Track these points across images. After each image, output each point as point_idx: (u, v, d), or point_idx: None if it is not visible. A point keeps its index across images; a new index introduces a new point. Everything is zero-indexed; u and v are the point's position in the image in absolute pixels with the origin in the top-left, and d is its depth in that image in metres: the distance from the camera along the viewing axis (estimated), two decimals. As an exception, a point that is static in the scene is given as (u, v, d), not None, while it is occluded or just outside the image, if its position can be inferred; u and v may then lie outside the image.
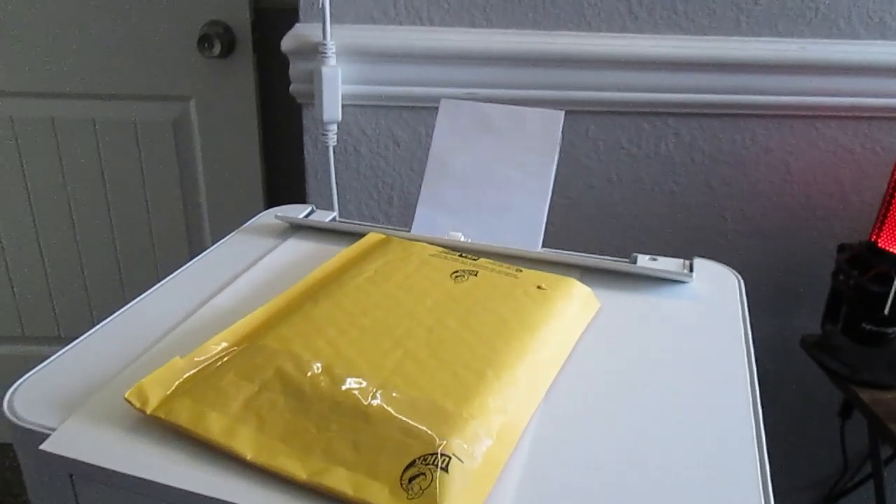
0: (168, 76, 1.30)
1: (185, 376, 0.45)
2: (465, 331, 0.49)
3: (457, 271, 0.57)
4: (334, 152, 0.99)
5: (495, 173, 0.74)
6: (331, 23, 0.92)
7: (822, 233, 1.11)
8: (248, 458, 0.40)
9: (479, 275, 0.57)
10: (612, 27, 0.96)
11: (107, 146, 1.38)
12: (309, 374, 0.44)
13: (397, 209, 1.06)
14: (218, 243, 0.67)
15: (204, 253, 0.66)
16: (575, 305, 0.55)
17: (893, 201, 0.93)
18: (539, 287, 0.56)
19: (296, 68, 0.97)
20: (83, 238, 1.45)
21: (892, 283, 0.85)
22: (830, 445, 1.27)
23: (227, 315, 0.55)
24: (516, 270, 0.58)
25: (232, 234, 0.70)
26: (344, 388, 0.42)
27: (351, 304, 0.52)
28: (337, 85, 0.93)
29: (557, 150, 0.74)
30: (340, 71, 0.93)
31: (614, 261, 0.64)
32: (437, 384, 0.43)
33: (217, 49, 1.23)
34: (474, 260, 0.59)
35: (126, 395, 0.43)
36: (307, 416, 0.41)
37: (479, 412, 0.42)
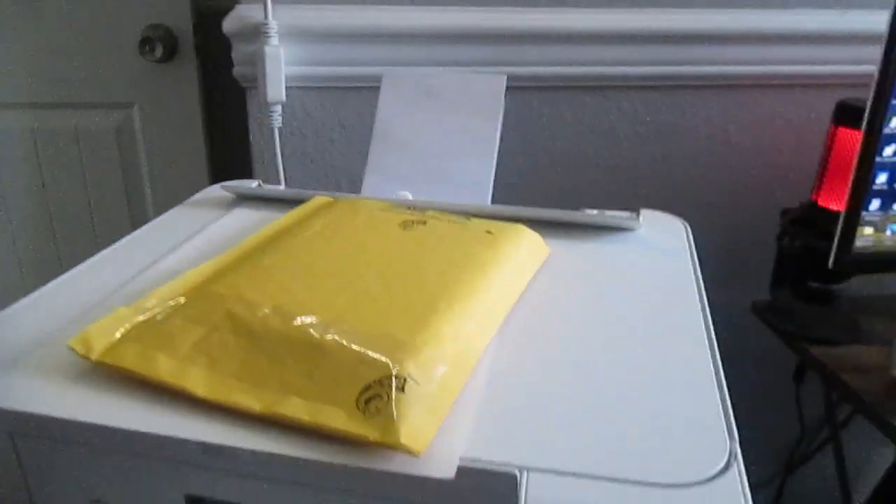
0: (109, 82, 1.27)
1: (131, 323, 0.44)
2: (416, 272, 0.49)
3: (405, 221, 0.57)
4: (280, 135, 0.98)
5: (441, 138, 0.75)
6: (272, 3, 0.92)
7: (765, 200, 1.14)
8: (200, 394, 0.39)
9: (427, 224, 0.56)
10: (550, 1, 0.97)
11: (47, 156, 1.34)
12: (260, 314, 0.43)
13: (346, 192, 1.05)
14: (159, 217, 0.66)
15: (145, 225, 0.64)
16: (524, 249, 0.56)
17: (830, 161, 0.96)
18: (488, 232, 0.56)
19: (238, 50, 0.96)
20: (24, 250, 1.41)
21: (835, 235, 0.87)
22: (788, 412, 1.30)
23: (173, 276, 0.54)
24: (465, 218, 0.58)
25: (174, 208, 0.68)
26: (296, 324, 0.42)
27: (301, 255, 0.51)
28: (280, 65, 0.92)
29: (501, 113, 0.75)
30: (283, 51, 0.93)
31: (563, 212, 0.65)
32: (389, 317, 0.43)
33: (159, 52, 1.21)
34: (423, 211, 0.59)
35: (69, 343, 0.42)
36: (260, 353, 0.41)
37: (432, 339, 0.41)
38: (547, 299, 0.51)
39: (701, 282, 0.56)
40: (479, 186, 0.72)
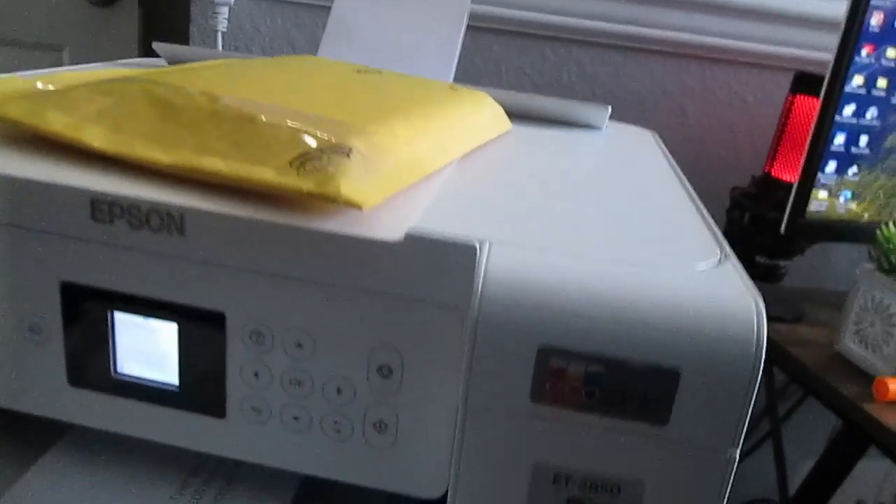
0: (38, 22, 1.18)
1: (29, 90, 0.36)
2: (372, 95, 0.43)
3: (360, 69, 0.51)
4: (223, 47, 0.91)
5: (401, 38, 0.70)
6: None
7: (716, 179, 1.12)
8: (97, 146, 0.32)
9: (383, 74, 0.51)
10: (520, -59, 0.95)
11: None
12: (183, 94, 0.36)
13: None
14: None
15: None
16: (487, 110, 0.51)
17: (787, 130, 0.95)
18: (451, 88, 0.50)
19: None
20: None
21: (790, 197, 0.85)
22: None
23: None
24: (425, 79, 0.53)
25: (96, 63, 0.61)
26: (225, 102, 0.35)
27: (243, 71, 0.44)
28: (230, -37, 0.86)
29: (466, 17, 0.71)
30: (234, -46, 0.87)
31: (529, 95, 0.59)
32: (339, 113, 0.37)
33: (95, -7, 1.13)
34: (380, 70, 0.54)
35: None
36: (177, 121, 0.34)
37: (385, 133, 0.35)
38: (514, 150, 0.46)
39: (677, 168, 0.52)
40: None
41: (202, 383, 0.32)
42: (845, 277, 1.15)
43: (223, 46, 0.90)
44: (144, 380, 0.33)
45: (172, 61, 0.62)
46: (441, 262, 0.29)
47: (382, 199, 0.31)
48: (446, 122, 0.42)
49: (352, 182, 0.29)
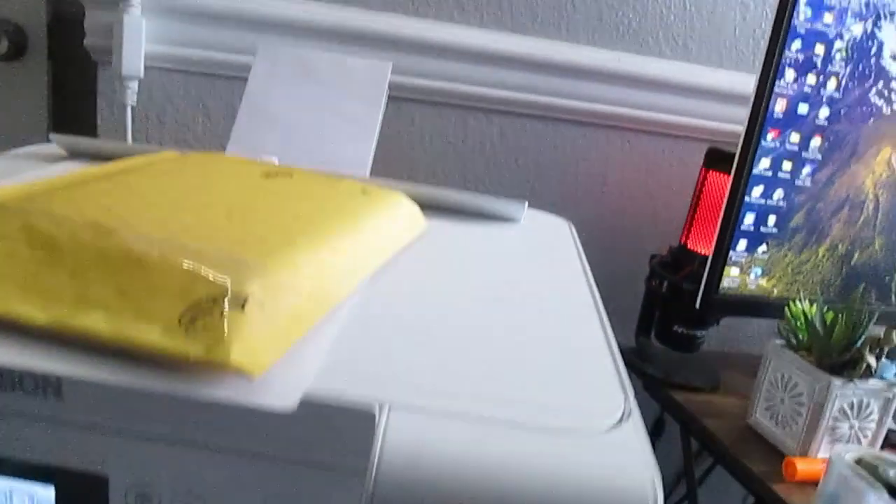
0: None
1: None
2: (276, 211, 0.42)
3: (269, 172, 0.49)
4: (133, 119, 0.88)
5: (317, 120, 0.69)
6: (138, -28, 0.83)
7: (635, 245, 1.15)
8: (-36, 300, 0.30)
9: (294, 176, 0.49)
10: (440, 16, 0.95)
11: None
12: (67, 227, 0.34)
13: (206, 194, 0.96)
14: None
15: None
16: (401, 214, 0.50)
17: (700, 204, 0.98)
18: (363, 192, 0.49)
19: (93, 18, 0.86)
20: None
21: (703, 278, 0.87)
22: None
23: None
24: (338, 179, 0.52)
25: (-8, 154, 0.57)
26: (112, 239, 0.33)
27: (137, 185, 0.42)
28: (140, 36, 0.83)
29: (384, 100, 0.70)
30: (145, 24, 0.84)
31: (446, 191, 0.59)
32: (236, 242, 0.35)
33: (3, 47, 1.08)
34: (290, 170, 0.52)
35: None
36: (58, 266, 0.32)
37: (286, 266, 0.34)
38: (424, 262, 0.46)
39: (588, 269, 0.52)
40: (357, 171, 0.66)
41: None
42: (764, 339, 1.18)
43: (133, 119, 0.87)
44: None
45: (72, 153, 0.59)
46: (338, 428, 0.28)
47: (276, 359, 0.29)
48: (356, 240, 0.41)
49: (244, 344, 0.28)
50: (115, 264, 0.32)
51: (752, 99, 0.80)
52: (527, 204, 0.60)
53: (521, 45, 0.98)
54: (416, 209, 0.52)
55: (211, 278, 0.31)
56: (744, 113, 0.81)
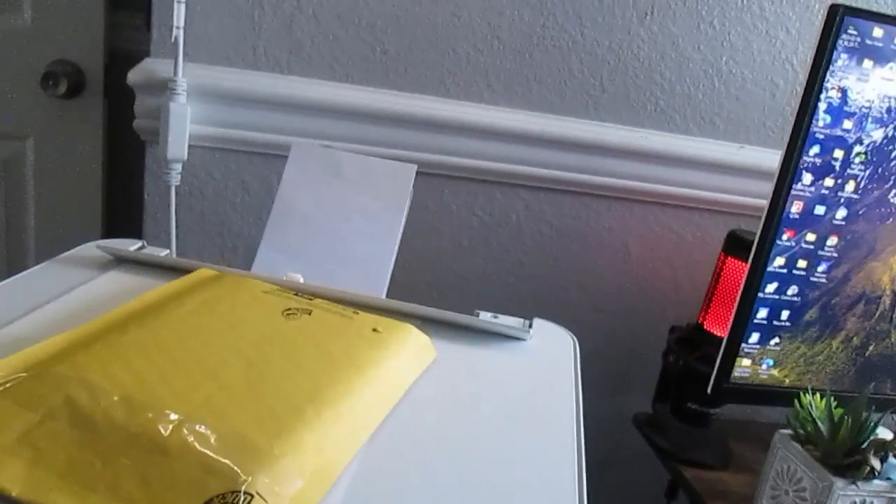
0: (4, 113, 1.19)
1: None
2: (290, 366, 0.46)
3: (289, 309, 0.54)
4: (177, 194, 0.94)
5: (343, 220, 0.73)
6: (184, 60, 0.89)
7: (656, 314, 1.17)
8: (15, 493, 0.34)
9: (312, 314, 0.54)
10: (470, 96, 0.99)
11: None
12: (103, 403, 0.39)
13: (242, 259, 1.01)
14: (23, 273, 0.60)
15: (4, 281, 0.58)
16: (410, 351, 0.54)
17: (717, 288, 1.00)
18: (374, 330, 0.53)
19: (142, 103, 0.92)
20: None
21: (716, 362, 0.89)
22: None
23: (21, 345, 0.49)
24: (353, 312, 0.56)
25: (44, 263, 0.63)
26: (143, 419, 0.38)
27: (165, 335, 0.47)
28: (185, 123, 0.89)
29: (408, 202, 0.74)
30: (190, 110, 0.90)
31: (456, 314, 0.63)
32: (249, 418, 0.40)
33: (63, 88, 1.15)
34: (310, 300, 0.57)
35: None
36: (94, 450, 0.37)
37: (292, 449, 0.38)
38: (423, 410, 0.49)
39: (580, 398, 0.55)
40: (377, 276, 0.70)
41: None
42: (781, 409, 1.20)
43: (177, 193, 0.93)
44: None
45: (117, 258, 0.65)
46: None
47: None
48: (364, 398, 0.45)
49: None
50: (142, 450, 0.36)
51: (768, 199, 0.82)
52: (533, 323, 0.64)
53: (548, 124, 1.01)
54: (425, 341, 0.56)
55: (225, 470, 0.35)
56: (769, 188, 0.82)
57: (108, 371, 0.42)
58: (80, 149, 1.22)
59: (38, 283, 0.59)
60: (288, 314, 0.53)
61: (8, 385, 0.40)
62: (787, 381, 0.91)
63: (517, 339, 0.63)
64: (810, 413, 0.81)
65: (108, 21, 1.16)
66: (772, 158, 0.86)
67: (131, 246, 0.68)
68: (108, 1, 1.15)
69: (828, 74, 0.79)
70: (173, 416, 0.38)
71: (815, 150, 0.81)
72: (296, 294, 0.57)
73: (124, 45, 1.18)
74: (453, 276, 1.08)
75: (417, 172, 0.76)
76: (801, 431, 0.83)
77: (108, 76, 1.18)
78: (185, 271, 0.62)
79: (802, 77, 0.79)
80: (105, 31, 1.16)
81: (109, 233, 1.26)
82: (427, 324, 0.62)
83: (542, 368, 0.59)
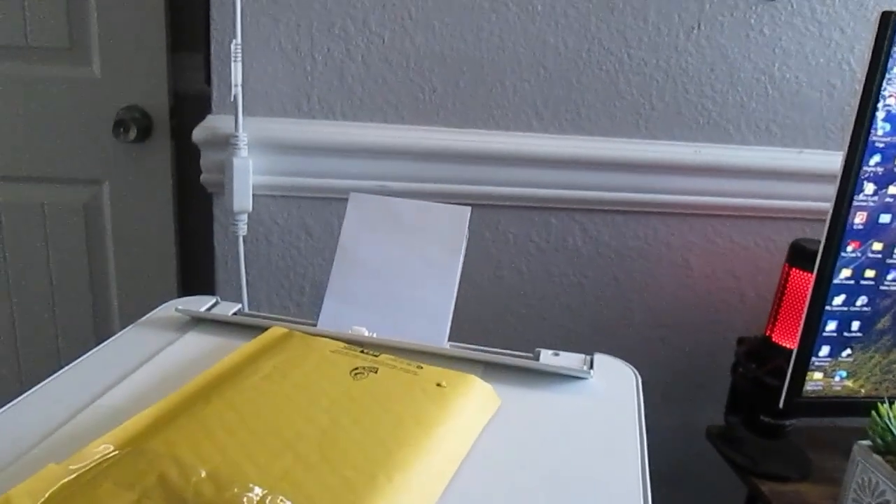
0: (80, 159, 1.27)
1: (59, 484, 0.42)
2: (360, 431, 0.49)
3: (356, 368, 0.56)
4: (245, 241, 0.98)
5: (403, 267, 0.75)
6: (243, 115, 0.93)
7: (722, 325, 1.16)
8: (118, 576, 0.38)
9: (378, 372, 0.56)
10: (519, 126, 1.00)
11: (12, 229, 1.32)
12: (193, 479, 0.42)
13: (309, 298, 1.05)
14: (111, 338, 0.65)
15: (95, 349, 0.63)
16: (474, 403, 0.56)
17: (784, 299, 0.98)
18: (439, 385, 0.56)
19: (207, 158, 0.97)
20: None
21: (786, 376, 0.88)
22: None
23: (114, 415, 0.53)
24: (417, 367, 0.58)
25: (129, 327, 0.67)
26: (229, 495, 0.41)
27: (244, 405, 0.50)
28: (248, 176, 0.93)
29: (464, 244, 0.76)
30: (252, 162, 0.94)
31: (516, 356, 0.65)
32: (325, 490, 0.42)
33: (133, 134, 1.22)
34: (375, 356, 0.59)
35: (-9, 507, 0.40)
36: (186, 528, 0.40)
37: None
38: (491, 461, 0.51)
39: (644, 437, 0.56)
40: (439, 318, 0.72)
41: None
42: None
43: (244, 241, 0.97)
44: None
45: (194, 319, 0.69)
46: None
47: None
48: (430, 462, 0.48)
49: None
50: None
51: (829, 212, 0.81)
52: (594, 359, 0.65)
53: (599, 147, 1.02)
54: (489, 391, 0.58)
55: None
56: (832, 190, 0.81)
57: (195, 446, 0.45)
58: (152, 190, 1.28)
59: (125, 348, 0.64)
60: (356, 374, 0.56)
61: (106, 465, 0.44)
62: (862, 391, 0.89)
63: (579, 378, 0.64)
64: (888, 423, 0.80)
65: (170, 65, 1.21)
66: (833, 160, 0.84)
67: (206, 304, 0.72)
68: (169, 45, 1.20)
69: (884, 82, 0.77)
70: (258, 490, 0.41)
71: (876, 158, 0.79)
72: (362, 351, 0.60)
73: (187, 87, 1.23)
74: (515, 302, 1.10)
75: (473, 205, 0.78)
76: (881, 442, 0.81)
77: (174, 118, 1.23)
78: (258, 328, 0.66)
79: (861, 75, 0.78)
80: (168, 75, 1.21)
81: (183, 270, 1.32)
82: (489, 368, 0.64)
83: (605, 410, 0.60)
